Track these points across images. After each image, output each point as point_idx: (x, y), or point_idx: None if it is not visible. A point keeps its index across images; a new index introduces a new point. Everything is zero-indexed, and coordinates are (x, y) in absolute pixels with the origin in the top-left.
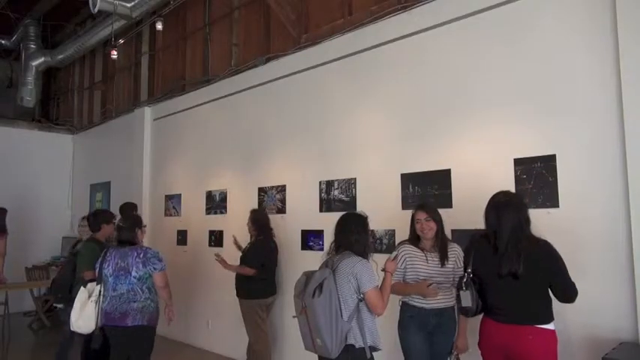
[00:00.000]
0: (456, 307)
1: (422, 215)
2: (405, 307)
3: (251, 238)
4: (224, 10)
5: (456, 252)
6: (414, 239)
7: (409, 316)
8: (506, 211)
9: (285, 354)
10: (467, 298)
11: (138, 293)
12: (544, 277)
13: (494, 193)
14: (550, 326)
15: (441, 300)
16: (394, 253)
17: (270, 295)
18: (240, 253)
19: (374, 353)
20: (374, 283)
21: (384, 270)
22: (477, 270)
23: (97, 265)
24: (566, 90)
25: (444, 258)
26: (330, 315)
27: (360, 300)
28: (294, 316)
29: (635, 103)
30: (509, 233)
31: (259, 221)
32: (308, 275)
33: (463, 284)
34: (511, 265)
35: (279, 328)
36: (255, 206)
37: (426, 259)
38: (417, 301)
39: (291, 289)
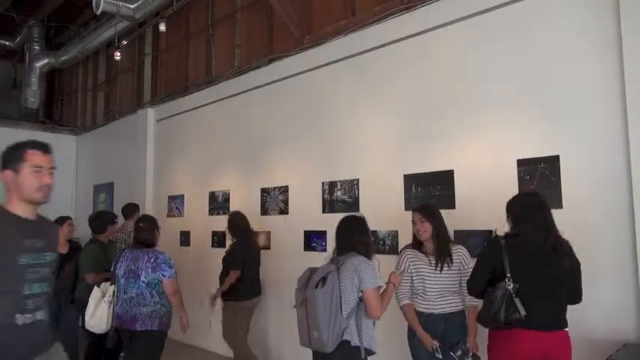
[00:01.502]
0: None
1: (417, 217)
2: None
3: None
4: (227, 11)
5: (461, 254)
6: (417, 243)
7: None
8: (545, 210)
9: (285, 354)
10: (521, 306)
11: (147, 298)
12: (569, 278)
13: (518, 194)
14: (567, 329)
15: (452, 304)
16: (401, 267)
17: (254, 296)
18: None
19: (369, 357)
20: (375, 283)
21: (388, 282)
22: (514, 275)
23: (112, 266)
24: (569, 91)
25: (440, 262)
26: (330, 308)
27: (361, 299)
28: (294, 306)
29: (639, 104)
30: (553, 234)
31: (232, 224)
32: (312, 270)
33: (512, 291)
34: (558, 266)
35: (281, 328)
36: (258, 207)
37: (430, 263)
38: (424, 307)
39: (292, 292)
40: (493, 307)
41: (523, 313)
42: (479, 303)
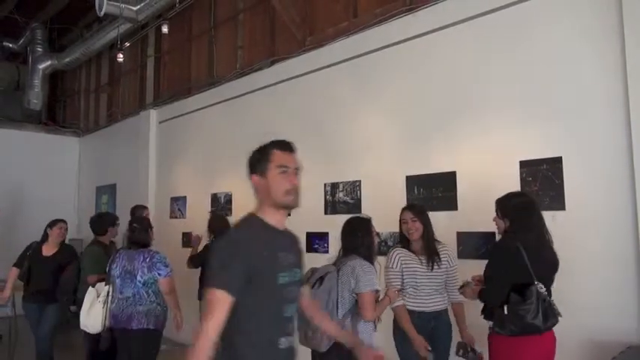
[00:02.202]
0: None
1: (407, 215)
2: None
3: None
4: (229, 12)
5: (447, 252)
6: (405, 243)
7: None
8: (539, 210)
9: None
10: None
11: (143, 297)
12: None
13: (511, 194)
14: None
15: (439, 302)
16: (393, 265)
17: None
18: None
19: None
20: (372, 287)
21: (385, 294)
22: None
23: (108, 266)
24: (572, 92)
25: (431, 261)
26: (326, 309)
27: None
28: None
29: None
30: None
31: (208, 224)
32: (314, 270)
33: (545, 295)
34: (556, 264)
35: None
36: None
37: (421, 262)
38: (416, 305)
39: None
40: (529, 314)
41: (560, 315)
42: (462, 298)
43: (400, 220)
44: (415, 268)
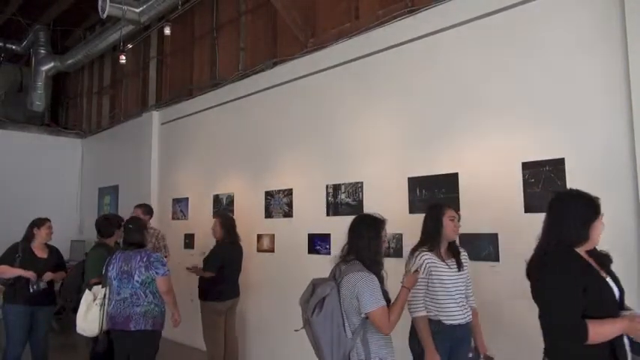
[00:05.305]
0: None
1: (454, 214)
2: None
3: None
4: (232, 14)
5: (466, 255)
6: (432, 245)
7: (435, 332)
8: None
9: (289, 356)
10: None
11: (141, 297)
12: None
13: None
14: None
15: (469, 309)
16: (415, 265)
17: (228, 298)
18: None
19: None
20: (377, 303)
21: (402, 284)
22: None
23: (104, 268)
24: (575, 93)
25: (458, 262)
26: (331, 334)
27: (367, 317)
28: (295, 330)
29: None
30: None
31: (226, 226)
32: (315, 284)
33: None
34: None
35: (284, 331)
36: (262, 210)
37: (449, 267)
38: (453, 318)
39: (297, 295)
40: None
41: None
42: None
43: (440, 216)
44: (444, 273)
